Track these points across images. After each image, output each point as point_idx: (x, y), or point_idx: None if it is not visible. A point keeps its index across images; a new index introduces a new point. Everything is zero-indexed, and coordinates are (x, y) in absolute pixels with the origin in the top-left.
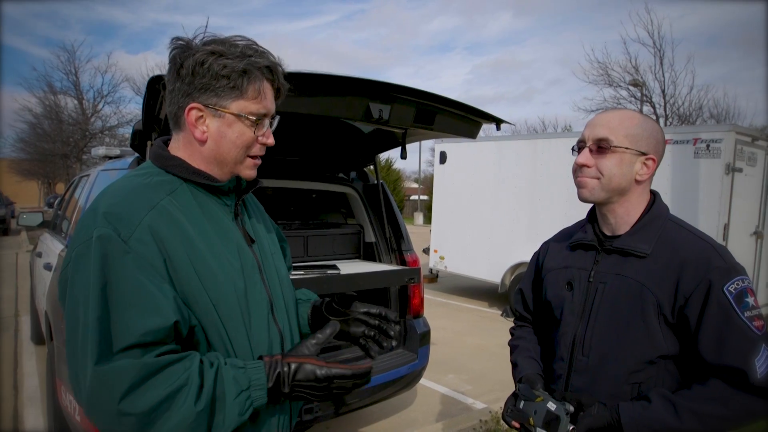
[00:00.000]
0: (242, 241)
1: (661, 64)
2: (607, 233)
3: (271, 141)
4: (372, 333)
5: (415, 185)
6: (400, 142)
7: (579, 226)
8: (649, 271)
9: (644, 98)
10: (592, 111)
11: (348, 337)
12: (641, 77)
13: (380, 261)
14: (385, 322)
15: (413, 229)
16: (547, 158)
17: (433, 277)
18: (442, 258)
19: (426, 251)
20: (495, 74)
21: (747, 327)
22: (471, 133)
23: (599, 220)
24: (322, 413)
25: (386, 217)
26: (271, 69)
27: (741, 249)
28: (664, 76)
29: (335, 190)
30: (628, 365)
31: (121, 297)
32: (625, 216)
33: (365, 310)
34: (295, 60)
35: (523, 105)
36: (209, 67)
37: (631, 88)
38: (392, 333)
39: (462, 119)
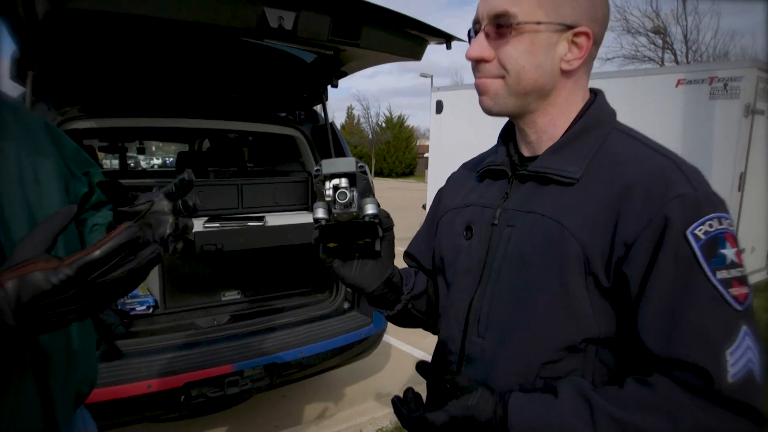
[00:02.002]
0: None
1: (684, 7)
2: (526, 154)
3: None
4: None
5: (428, 143)
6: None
7: (493, 149)
8: (575, 205)
9: (665, 45)
10: (608, 59)
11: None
12: (662, 23)
13: None
14: (185, 191)
15: (423, 187)
16: None
17: None
18: None
19: (425, 207)
20: None
21: (719, 297)
22: (414, 52)
23: (517, 137)
24: (252, 385)
25: None
26: None
27: (759, 201)
28: (687, 21)
29: (279, 132)
30: (539, 352)
31: None
32: (549, 127)
33: (160, 195)
34: None
35: None
36: None
37: (651, 34)
38: (191, 203)
39: (401, 35)
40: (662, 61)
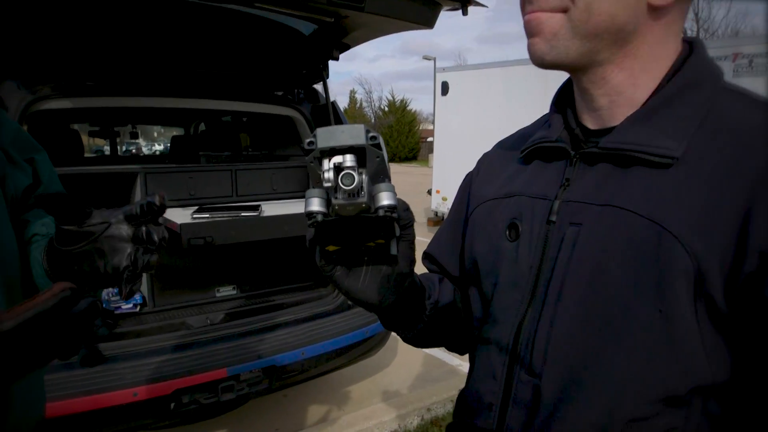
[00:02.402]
0: None
1: None
2: (592, 126)
3: None
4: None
5: (431, 127)
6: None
7: (542, 120)
8: (676, 196)
9: None
10: None
11: (103, 280)
12: None
13: None
14: (153, 216)
15: (427, 172)
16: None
17: (438, 219)
18: (444, 199)
19: (430, 193)
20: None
21: None
22: (425, 18)
23: (578, 101)
24: (249, 390)
25: None
26: None
27: None
28: None
29: (275, 112)
30: (624, 405)
31: None
32: (627, 87)
33: (120, 216)
34: None
35: None
36: None
37: None
38: (155, 237)
39: None
40: None
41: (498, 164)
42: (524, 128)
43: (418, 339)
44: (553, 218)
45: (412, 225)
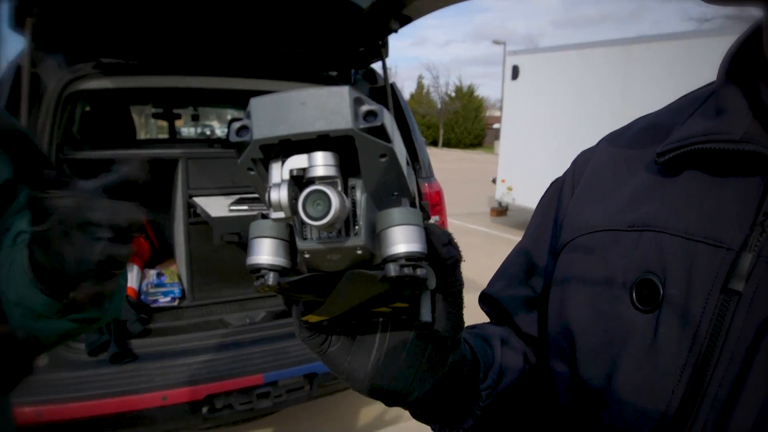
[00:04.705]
0: None
1: None
2: None
3: None
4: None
5: (498, 114)
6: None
7: (695, 99)
8: None
9: None
10: (707, 20)
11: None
12: None
13: None
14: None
15: (492, 159)
16: (645, 67)
17: (502, 210)
18: (510, 189)
19: (494, 181)
20: None
21: None
22: None
23: None
24: (287, 397)
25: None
26: None
27: None
28: None
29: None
30: None
31: None
32: None
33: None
34: None
35: (631, 27)
36: None
37: None
38: (118, 218)
39: None
40: None
41: (612, 169)
42: (653, 115)
43: None
44: (738, 286)
45: (458, 266)
